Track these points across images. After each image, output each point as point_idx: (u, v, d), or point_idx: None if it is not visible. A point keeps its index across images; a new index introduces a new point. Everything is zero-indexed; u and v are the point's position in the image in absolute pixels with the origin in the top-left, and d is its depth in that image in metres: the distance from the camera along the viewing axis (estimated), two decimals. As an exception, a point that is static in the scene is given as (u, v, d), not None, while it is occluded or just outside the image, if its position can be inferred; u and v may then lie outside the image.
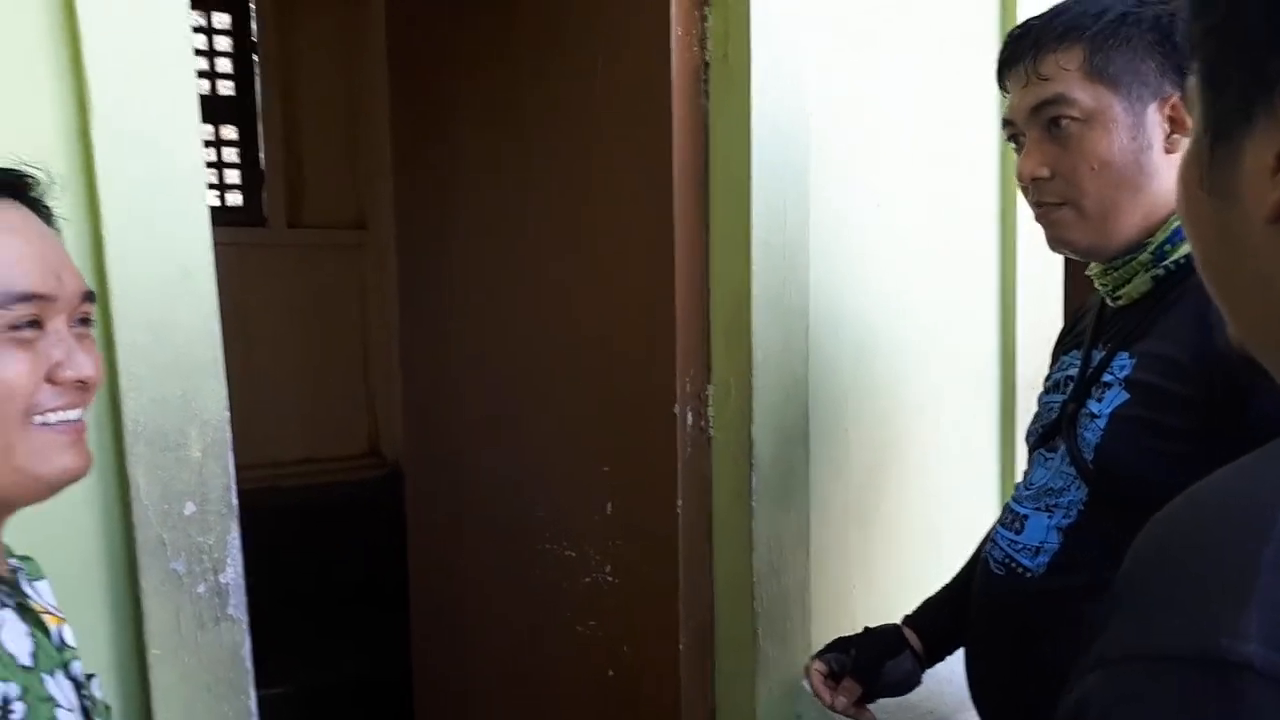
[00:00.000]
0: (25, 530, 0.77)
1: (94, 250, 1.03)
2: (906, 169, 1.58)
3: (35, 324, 0.69)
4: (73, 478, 0.72)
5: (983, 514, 1.64)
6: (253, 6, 3.30)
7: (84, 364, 0.71)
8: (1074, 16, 0.93)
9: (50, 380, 0.69)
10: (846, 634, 1.24)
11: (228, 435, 1.11)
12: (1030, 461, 1.08)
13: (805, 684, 1.23)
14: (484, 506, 1.88)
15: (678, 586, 1.49)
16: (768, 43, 1.37)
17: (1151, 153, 0.93)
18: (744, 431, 1.43)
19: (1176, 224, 0.93)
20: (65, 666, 0.74)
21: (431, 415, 2.04)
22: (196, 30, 3.16)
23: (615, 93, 1.49)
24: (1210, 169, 0.45)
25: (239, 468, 1.13)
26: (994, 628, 1.06)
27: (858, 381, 1.57)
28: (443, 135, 1.89)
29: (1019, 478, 1.09)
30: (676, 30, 1.39)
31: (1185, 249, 0.92)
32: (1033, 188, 0.98)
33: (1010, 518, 1.05)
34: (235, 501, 1.12)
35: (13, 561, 0.77)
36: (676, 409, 1.46)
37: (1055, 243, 1.01)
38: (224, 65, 3.33)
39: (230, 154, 3.38)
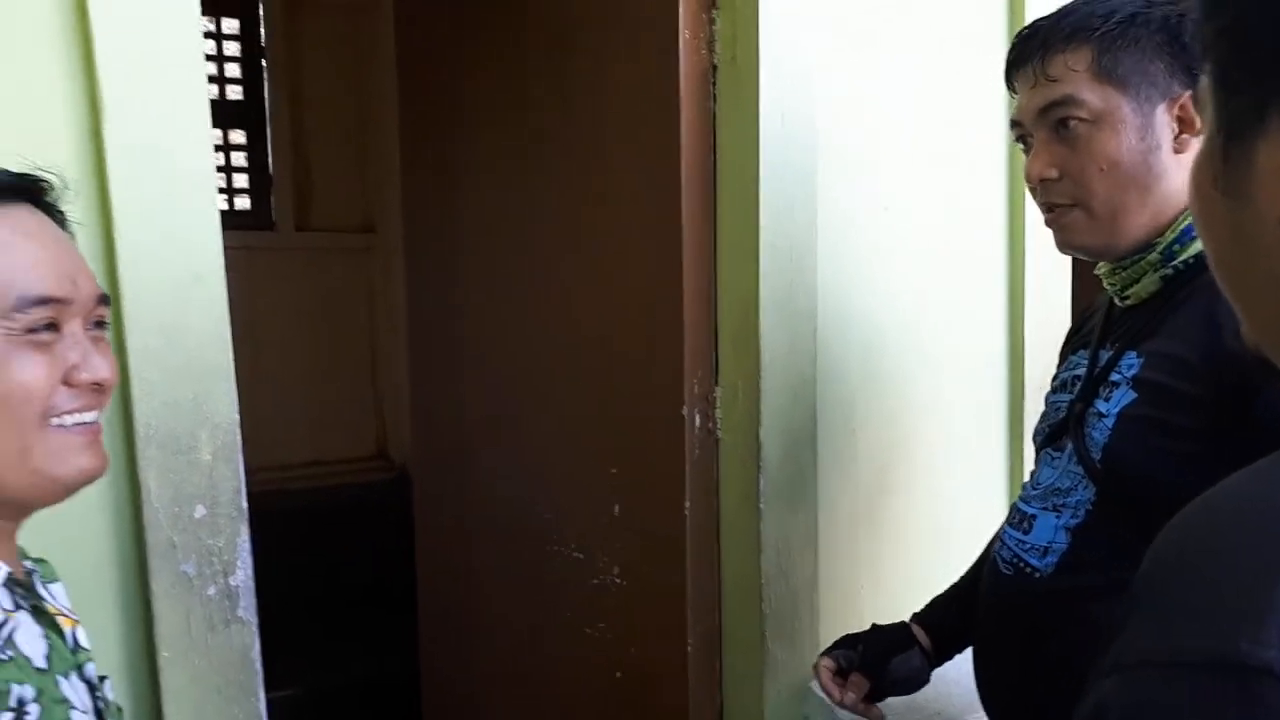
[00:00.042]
0: (38, 533, 0.78)
1: (106, 254, 1.03)
2: (914, 170, 1.57)
3: (52, 327, 0.70)
4: (89, 479, 0.73)
5: (991, 514, 1.63)
6: (261, 12, 3.32)
7: (100, 366, 0.71)
8: (1082, 17, 0.93)
9: (67, 383, 0.70)
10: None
11: (238, 438, 1.12)
12: (1037, 461, 1.07)
13: (814, 684, 1.23)
14: (492, 509, 1.89)
15: (685, 588, 1.49)
16: (775, 45, 1.37)
17: (1160, 153, 0.93)
18: (752, 433, 1.43)
19: (1185, 224, 0.93)
20: (79, 668, 0.74)
21: (439, 418, 2.04)
22: (205, 36, 3.16)
23: (623, 95, 1.50)
24: (1223, 169, 0.45)
25: (247, 471, 1.14)
26: (1002, 628, 1.06)
27: (865, 383, 1.57)
28: (451, 139, 1.89)
29: (1027, 478, 1.09)
30: (684, 33, 1.40)
31: (1194, 248, 0.92)
32: (1041, 189, 0.98)
33: (1018, 518, 1.05)
34: (245, 504, 1.13)
35: (28, 564, 0.77)
36: (684, 411, 1.46)
37: (1065, 247, 1.01)
38: (233, 70, 3.35)
39: (239, 158, 3.39)
